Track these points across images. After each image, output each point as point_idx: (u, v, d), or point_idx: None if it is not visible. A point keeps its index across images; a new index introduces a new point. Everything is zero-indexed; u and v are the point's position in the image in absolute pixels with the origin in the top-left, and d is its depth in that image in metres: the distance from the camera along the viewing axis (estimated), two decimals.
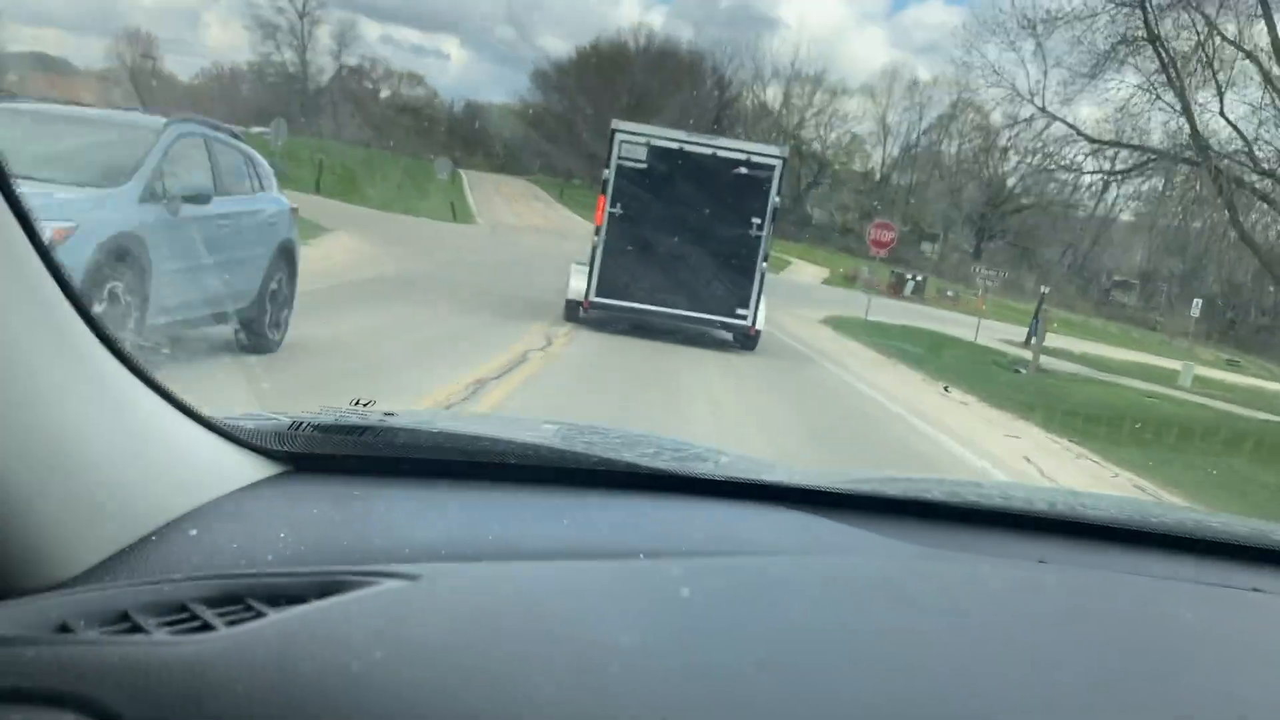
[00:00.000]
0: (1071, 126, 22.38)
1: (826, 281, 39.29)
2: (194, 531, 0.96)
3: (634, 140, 13.59)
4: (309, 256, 16.17)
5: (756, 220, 13.64)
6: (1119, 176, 21.95)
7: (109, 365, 0.93)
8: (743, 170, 13.57)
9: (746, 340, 14.09)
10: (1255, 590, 1.22)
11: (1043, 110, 22.08)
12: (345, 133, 62.94)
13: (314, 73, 71.97)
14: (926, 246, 68.39)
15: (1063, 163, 22.74)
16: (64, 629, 0.78)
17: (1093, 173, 22.99)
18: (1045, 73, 21.35)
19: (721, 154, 13.69)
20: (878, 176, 74.83)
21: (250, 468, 1.14)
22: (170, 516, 0.97)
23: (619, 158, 13.55)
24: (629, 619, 0.91)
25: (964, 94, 66.72)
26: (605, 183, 13.67)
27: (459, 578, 0.94)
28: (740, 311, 13.82)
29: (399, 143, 65.36)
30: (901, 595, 1.08)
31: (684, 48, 75.87)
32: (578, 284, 13.78)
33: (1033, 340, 20.51)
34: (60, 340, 0.87)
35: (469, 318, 12.93)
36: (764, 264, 13.88)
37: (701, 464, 1.45)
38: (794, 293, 30.20)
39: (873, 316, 24.60)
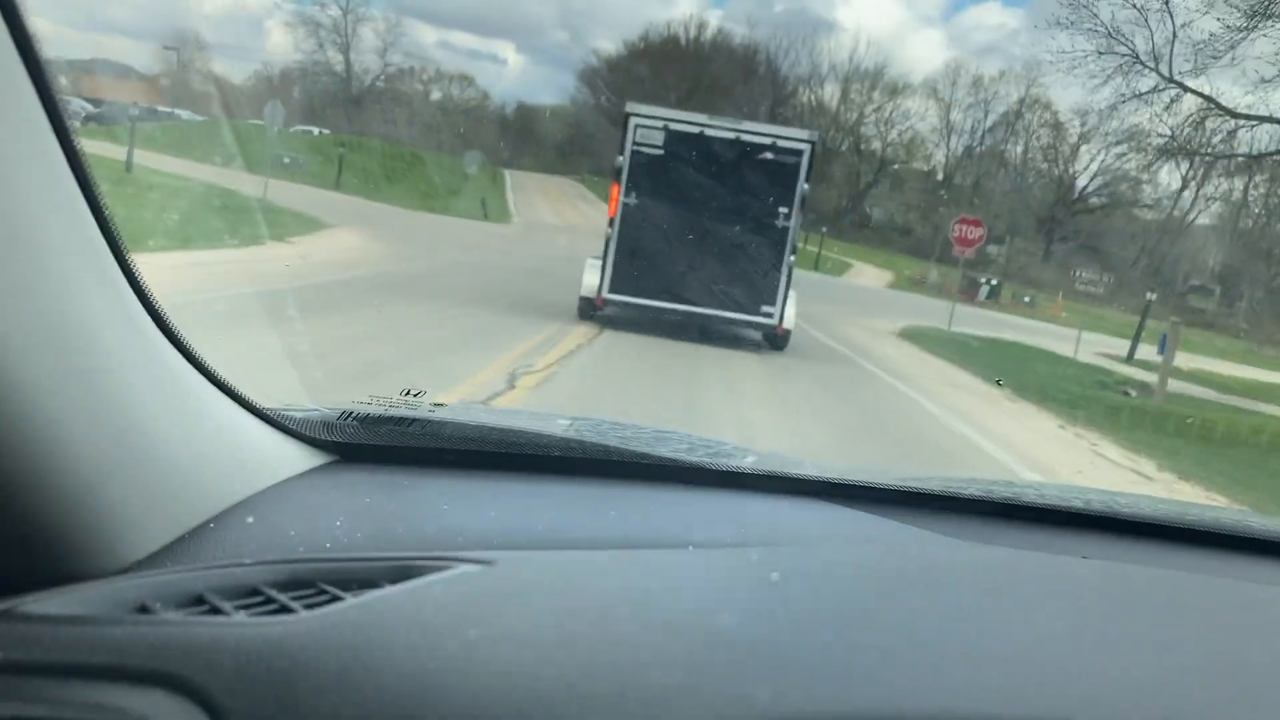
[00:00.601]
0: (1209, 99, 18.46)
1: (891, 285, 35.84)
2: (250, 519, 1.00)
3: (650, 124, 12.78)
4: (283, 254, 13.95)
5: (784, 210, 12.78)
6: (1262, 161, 17.97)
7: (169, 355, 0.96)
8: (769, 156, 12.76)
9: (775, 340, 13.24)
10: None
11: (1169, 80, 18.27)
12: (394, 132, 62.73)
13: (359, 72, 72.40)
14: (993, 249, 64.28)
15: (1189, 144, 18.84)
16: (144, 609, 0.81)
17: (1228, 155, 19.03)
18: (1174, 34, 17.54)
19: (746, 138, 12.80)
20: (940, 176, 71.90)
21: (300, 457, 1.17)
22: (228, 503, 1.00)
23: (634, 143, 12.75)
24: (708, 603, 0.94)
25: (1033, 89, 66.31)
26: (619, 170, 12.83)
27: (529, 565, 0.97)
28: (766, 309, 12.99)
29: (448, 144, 66.43)
30: (950, 582, 1.09)
31: (737, 40, 72.83)
32: (591, 279, 12.94)
33: (1158, 355, 16.96)
34: (127, 330, 0.90)
35: (436, 332, 10.27)
36: (791, 258, 13.00)
37: (734, 459, 1.46)
38: (859, 298, 27.52)
39: (955, 327, 21.48)
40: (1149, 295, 21.82)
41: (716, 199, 12.73)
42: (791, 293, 13.13)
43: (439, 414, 1.33)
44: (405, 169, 45.82)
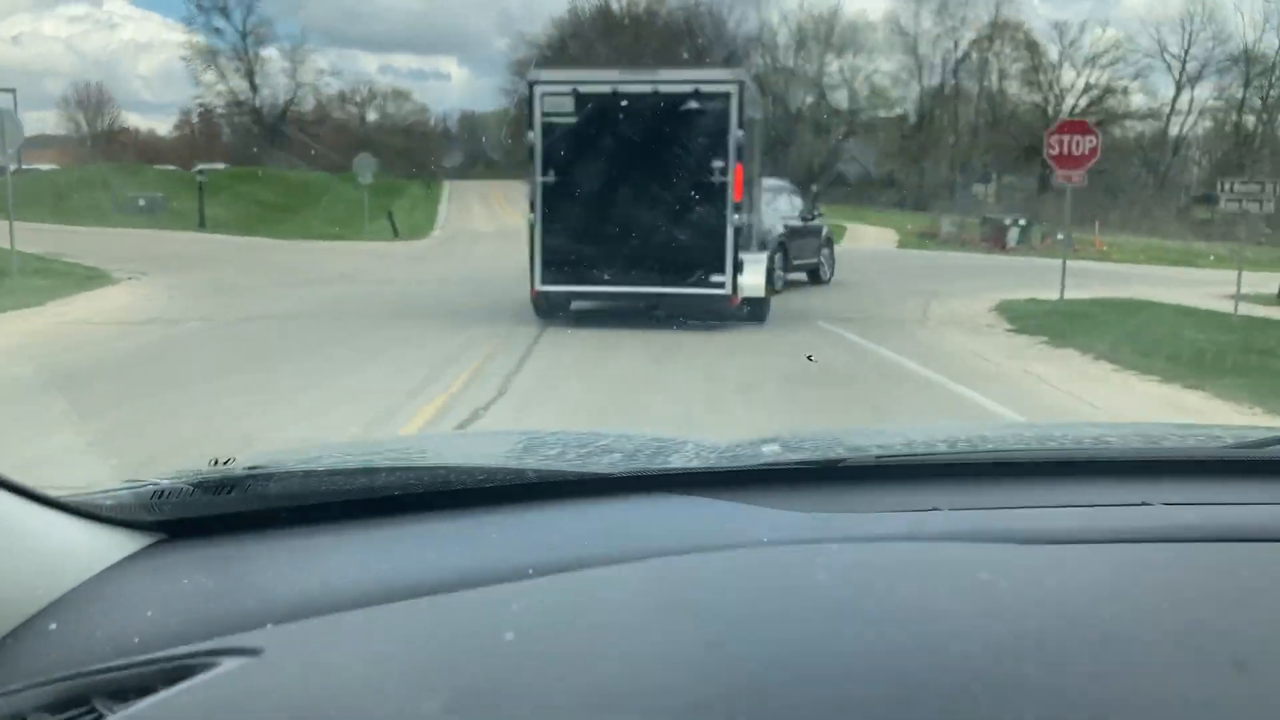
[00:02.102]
0: None
1: (900, 244, 29.44)
2: (54, 626, 0.93)
3: (558, 90, 11.66)
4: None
5: (718, 164, 11.48)
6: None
7: None
8: (693, 105, 11.52)
9: (756, 312, 12.11)
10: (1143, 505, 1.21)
11: None
12: (327, 159, 58.53)
13: (270, 101, 68.76)
14: (979, 189, 58.88)
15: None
16: None
17: None
18: None
19: (664, 89, 11.61)
20: (914, 119, 65.43)
21: (117, 544, 1.10)
22: (28, 613, 0.93)
23: (544, 114, 11.62)
24: (526, 651, 0.85)
25: (1003, 8, 61.01)
26: (531, 148, 11.70)
27: (313, 640, 0.89)
28: (715, 279, 11.70)
29: (391, 164, 62.51)
30: (787, 572, 1.03)
31: (674, 1, 66.58)
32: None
33: None
34: None
35: None
36: (736, 216, 11.60)
37: (599, 459, 1.37)
38: (881, 267, 21.31)
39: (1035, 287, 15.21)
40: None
41: (642, 162, 11.59)
42: (756, 255, 12.25)
43: (260, 472, 1.21)
44: (310, 196, 42.03)
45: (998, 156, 62.03)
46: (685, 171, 11.53)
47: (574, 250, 11.63)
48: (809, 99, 63.27)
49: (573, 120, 11.53)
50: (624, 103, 11.46)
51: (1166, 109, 60.49)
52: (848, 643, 0.85)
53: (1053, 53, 61.55)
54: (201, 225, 28.77)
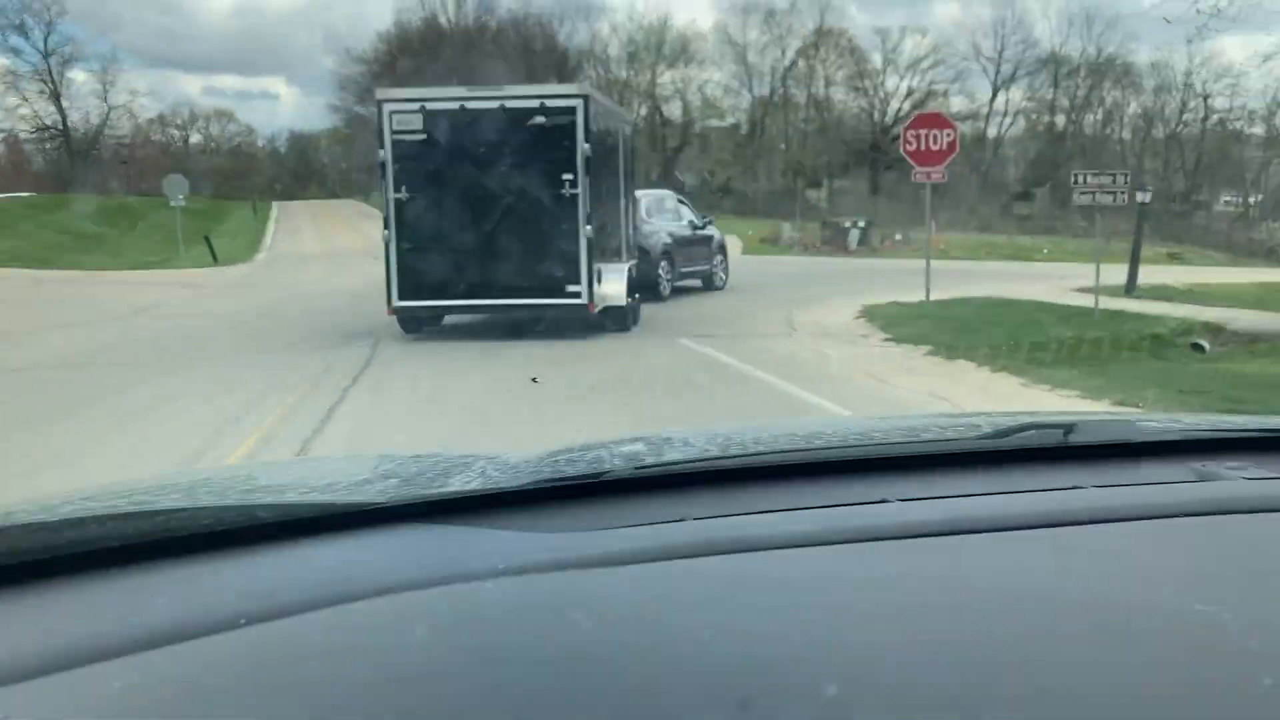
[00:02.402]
0: None
1: (745, 251, 28.85)
2: None
3: (406, 109, 11.74)
4: None
5: (568, 177, 11.59)
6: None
7: None
8: (541, 120, 11.64)
9: (618, 320, 12.21)
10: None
11: None
12: (140, 184, 56.72)
13: (79, 125, 65.83)
14: (812, 194, 59.82)
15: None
16: None
17: None
18: None
19: (511, 105, 11.76)
20: (745, 128, 66.36)
21: None
22: None
23: (393, 133, 11.67)
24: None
25: (827, 14, 62.33)
26: (382, 166, 11.79)
27: None
28: (572, 289, 11.72)
29: (219, 186, 62.55)
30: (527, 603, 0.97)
31: (504, 11, 65.32)
32: None
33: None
34: None
35: None
36: (588, 227, 11.64)
37: (372, 486, 1.30)
38: (742, 274, 20.34)
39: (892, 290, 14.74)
40: (1140, 197, 14.93)
41: (494, 176, 11.74)
42: (617, 265, 12.48)
43: None
44: (124, 222, 40.16)
45: (829, 161, 63.56)
46: (537, 185, 11.68)
47: (429, 266, 11.76)
48: (644, 109, 63.07)
49: (422, 138, 11.66)
50: (471, 120, 11.69)
51: (985, 110, 63.18)
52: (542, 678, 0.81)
53: (876, 59, 63.40)
54: None
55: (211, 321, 15.19)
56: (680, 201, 18.79)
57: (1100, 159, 55.04)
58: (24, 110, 62.36)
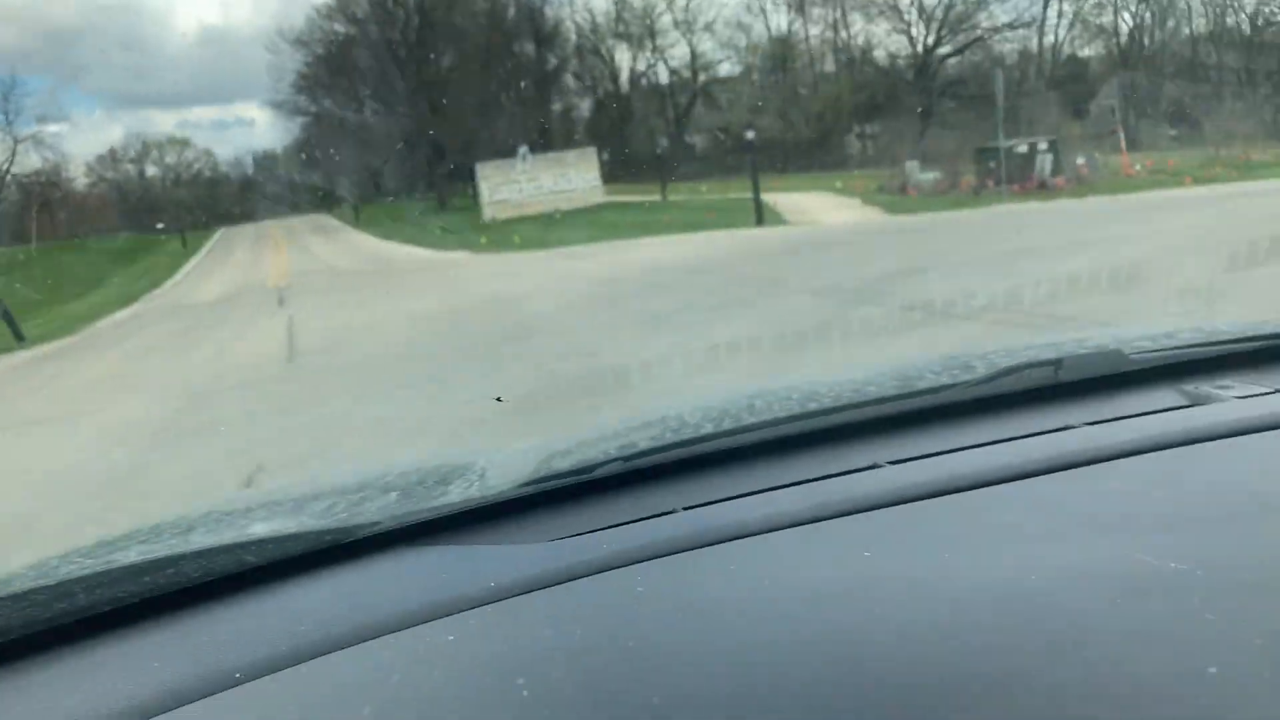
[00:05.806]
0: None
1: (890, 210, 17.97)
2: None
3: None
4: None
5: None
6: None
7: None
8: None
9: None
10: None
11: None
12: (97, 223, 51.86)
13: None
14: (850, 139, 51.89)
15: None
16: None
17: None
18: None
19: None
20: (754, 77, 56.26)
21: None
22: None
23: None
24: None
25: None
26: None
27: None
28: None
29: (179, 218, 57.94)
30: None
31: None
32: None
33: None
34: None
35: None
36: None
37: (370, 504, 1.28)
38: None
39: None
40: None
41: None
42: None
43: None
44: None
45: (871, 97, 53.21)
46: None
47: None
48: (647, 66, 52.77)
49: None
50: None
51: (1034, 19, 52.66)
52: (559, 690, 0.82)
53: None
54: None
55: None
56: None
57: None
58: None
